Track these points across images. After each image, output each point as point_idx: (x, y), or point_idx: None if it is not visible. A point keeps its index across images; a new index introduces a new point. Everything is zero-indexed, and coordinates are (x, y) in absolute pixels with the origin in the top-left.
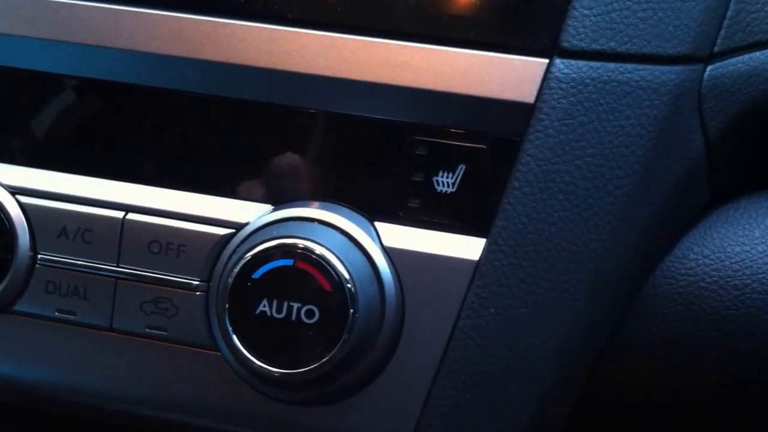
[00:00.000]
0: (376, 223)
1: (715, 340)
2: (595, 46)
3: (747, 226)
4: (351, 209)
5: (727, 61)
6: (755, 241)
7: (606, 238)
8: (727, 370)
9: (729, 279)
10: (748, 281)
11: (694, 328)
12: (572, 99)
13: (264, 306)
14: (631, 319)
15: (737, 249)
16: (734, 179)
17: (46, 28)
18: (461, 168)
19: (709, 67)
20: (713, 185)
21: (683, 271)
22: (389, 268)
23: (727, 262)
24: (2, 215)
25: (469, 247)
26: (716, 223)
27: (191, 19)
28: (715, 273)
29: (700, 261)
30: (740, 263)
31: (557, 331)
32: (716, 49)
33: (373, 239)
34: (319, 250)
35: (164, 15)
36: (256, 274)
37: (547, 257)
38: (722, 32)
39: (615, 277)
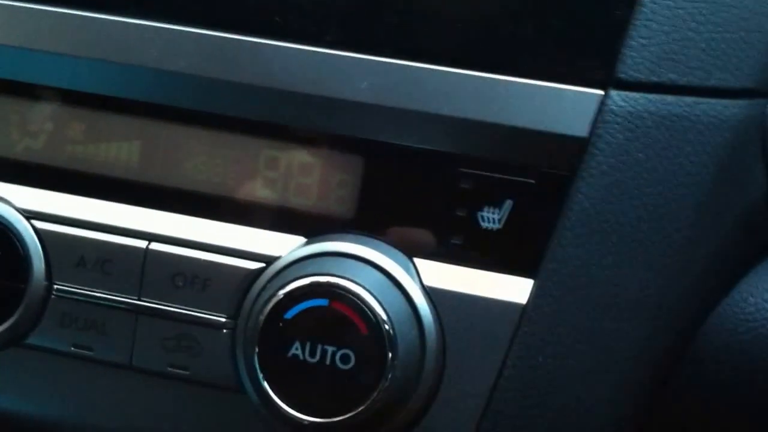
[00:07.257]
0: (416, 260)
1: None
2: (654, 78)
3: None
4: (389, 244)
5: None
6: None
7: (663, 284)
8: None
9: None
10: None
11: (751, 377)
12: (629, 134)
13: (296, 349)
14: (685, 366)
15: None
16: None
17: (69, 43)
18: (508, 203)
19: None
20: None
21: (741, 316)
22: (430, 309)
23: None
24: (16, 241)
25: (515, 289)
26: None
27: (225, 38)
28: None
29: (760, 305)
30: None
31: (609, 384)
32: None
33: (412, 278)
34: (355, 289)
35: (195, 32)
36: (289, 314)
37: (600, 303)
38: None
39: (672, 325)
